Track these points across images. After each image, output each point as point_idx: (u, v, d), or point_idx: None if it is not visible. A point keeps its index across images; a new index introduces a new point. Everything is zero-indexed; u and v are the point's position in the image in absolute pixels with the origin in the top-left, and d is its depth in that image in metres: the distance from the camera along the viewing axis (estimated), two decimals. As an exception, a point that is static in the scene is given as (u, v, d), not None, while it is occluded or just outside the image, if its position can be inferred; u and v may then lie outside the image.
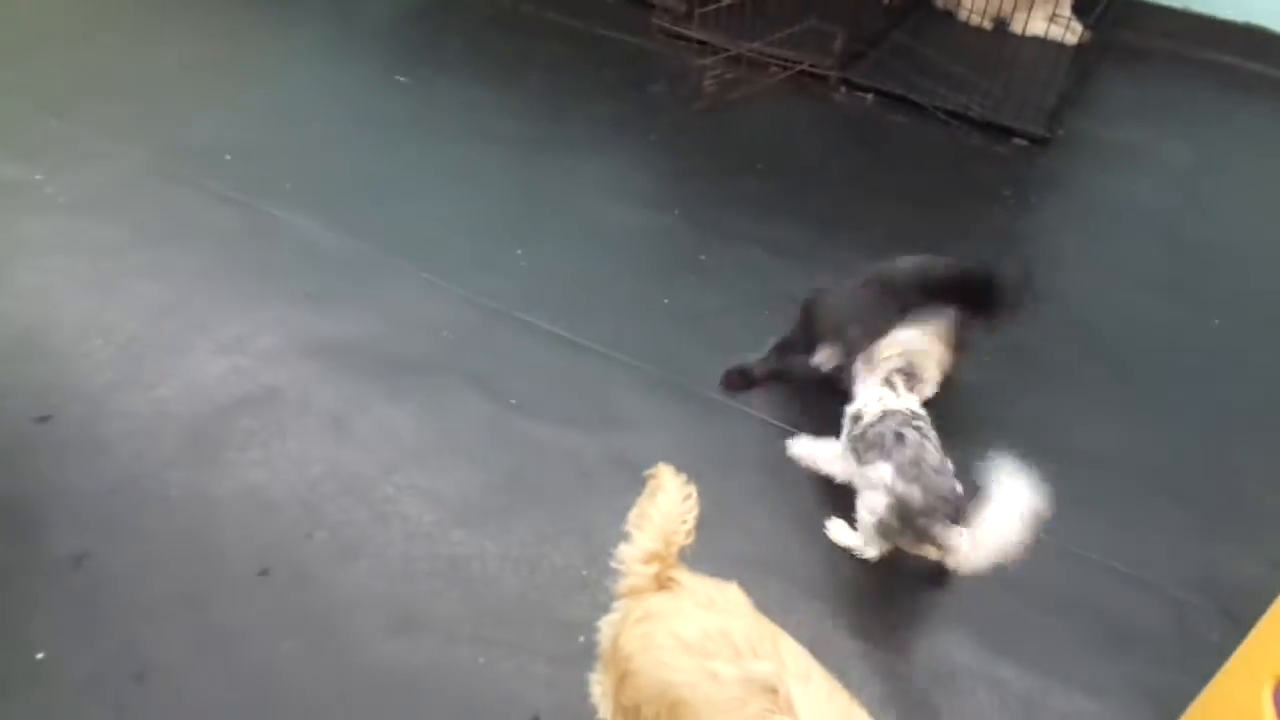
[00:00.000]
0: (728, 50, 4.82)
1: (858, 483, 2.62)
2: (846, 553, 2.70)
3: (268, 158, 4.18)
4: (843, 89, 4.94)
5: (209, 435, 2.87)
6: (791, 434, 3.04)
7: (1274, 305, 3.83)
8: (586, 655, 2.35)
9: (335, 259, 3.63)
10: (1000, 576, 2.65)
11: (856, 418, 2.66)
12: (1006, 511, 2.20)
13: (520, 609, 2.48)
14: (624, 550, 1.78)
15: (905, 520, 2.40)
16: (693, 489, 1.82)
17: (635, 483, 2.80)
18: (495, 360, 3.24)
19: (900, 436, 2.48)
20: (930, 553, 2.45)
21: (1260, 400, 3.34)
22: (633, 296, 3.58)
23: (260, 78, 4.81)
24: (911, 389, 2.68)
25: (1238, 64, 5.40)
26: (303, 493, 2.72)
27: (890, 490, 2.43)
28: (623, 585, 1.79)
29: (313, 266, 3.57)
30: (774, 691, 1.52)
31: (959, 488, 2.44)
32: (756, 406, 3.13)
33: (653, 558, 1.74)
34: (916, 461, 2.43)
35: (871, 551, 2.64)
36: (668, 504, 1.76)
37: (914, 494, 2.39)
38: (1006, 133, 4.63)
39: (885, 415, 2.57)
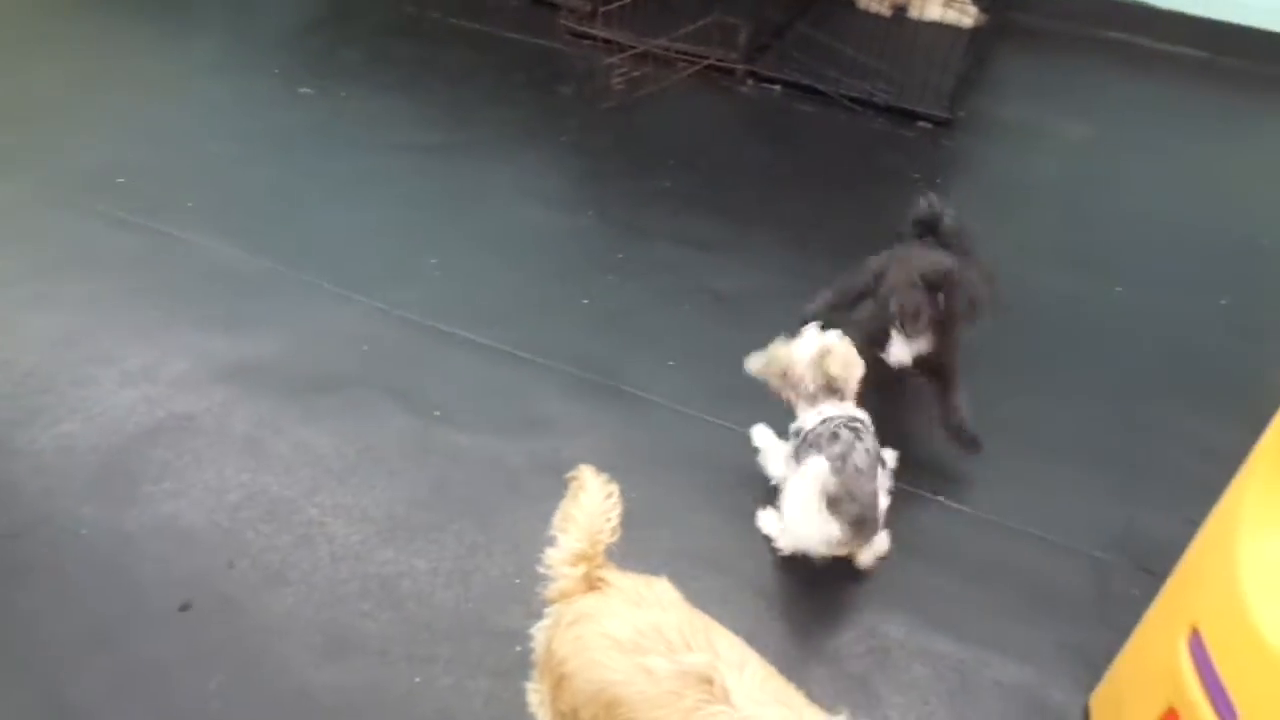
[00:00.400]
0: (634, 48, 4.81)
1: (787, 488, 2.60)
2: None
3: (165, 178, 4.05)
4: (750, 81, 4.98)
5: (120, 469, 2.76)
6: (722, 428, 3.06)
7: (1173, 271, 3.97)
8: (525, 665, 2.31)
9: (244, 278, 3.53)
10: (928, 552, 2.72)
11: (798, 432, 2.66)
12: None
13: (454, 623, 2.44)
14: (550, 554, 1.76)
15: (839, 512, 2.40)
16: (614, 488, 1.81)
17: (565, 487, 2.79)
18: (415, 372, 3.19)
19: (835, 435, 2.51)
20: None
21: (1165, 363, 3.46)
22: (552, 299, 3.56)
23: (154, 95, 4.66)
24: (841, 399, 2.67)
25: (1129, 40, 5.59)
26: (222, 521, 2.64)
27: (817, 478, 2.42)
28: (552, 589, 1.77)
29: (220, 288, 3.47)
30: (709, 682, 1.52)
31: (880, 495, 2.53)
32: (684, 402, 3.13)
33: (579, 559, 1.73)
34: (844, 456, 2.46)
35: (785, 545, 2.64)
36: (590, 504, 1.75)
37: (831, 484, 2.39)
38: (910, 116, 4.72)
39: (824, 420, 2.58)
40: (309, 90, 4.69)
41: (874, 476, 2.52)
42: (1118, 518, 2.86)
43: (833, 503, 2.38)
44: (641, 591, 1.71)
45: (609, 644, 1.63)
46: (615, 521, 1.77)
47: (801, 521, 2.45)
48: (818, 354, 2.65)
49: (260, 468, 2.82)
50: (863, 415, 2.65)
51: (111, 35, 5.16)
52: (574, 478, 1.82)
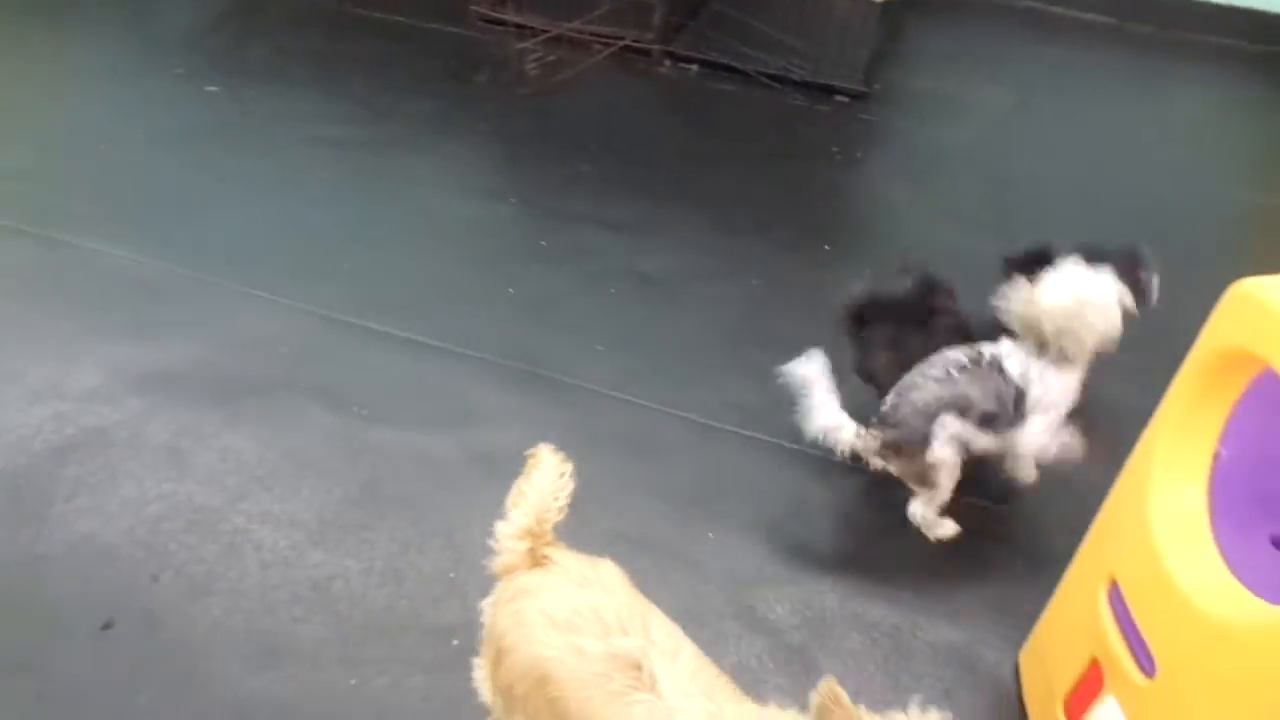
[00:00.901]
0: (547, 31, 4.77)
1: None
2: (713, 520, 2.72)
3: (65, 184, 3.91)
4: (667, 62, 4.97)
5: (31, 489, 2.66)
6: (652, 410, 3.05)
7: (1088, 233, 4.03)
8: (462, 659, 2.28)
9: (154, 285, 3.42)
10: (858, 523, 2.76)
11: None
12: None
13: (389, 622, 2.40)
14: (499, 527, 1.76)
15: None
16: (569, 467, 1.80)
17: (496, 478, 2.74)
18: (339, 371, 3.13)
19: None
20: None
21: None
22: (476, 289, 3.52)
23: (51, 99, 4.49)
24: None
25: (1040, 8, 5.70)
26: (143, 535, 2.56)
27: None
28: (497, 564, 1.76)
29: (130, 296, 3.36)
30: (638, 667, 1.52)
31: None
32: (614, 386, 3.12)
33: (526, 534, 1.73)
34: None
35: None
36: (542, 481, 1.75)
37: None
38: (827, 91, 4.75)
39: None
40: (215, 88, 4.56)
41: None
42: (1042, 476, 2.92)
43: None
44: (586, 572, 1.71)
45: (545, 621, 1.62)
46: (565, 500, 1.77)
47: None
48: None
49: (181, 477, 2.74)
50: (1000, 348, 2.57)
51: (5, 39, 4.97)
52: (532, 454, 1.81)
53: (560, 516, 1.78)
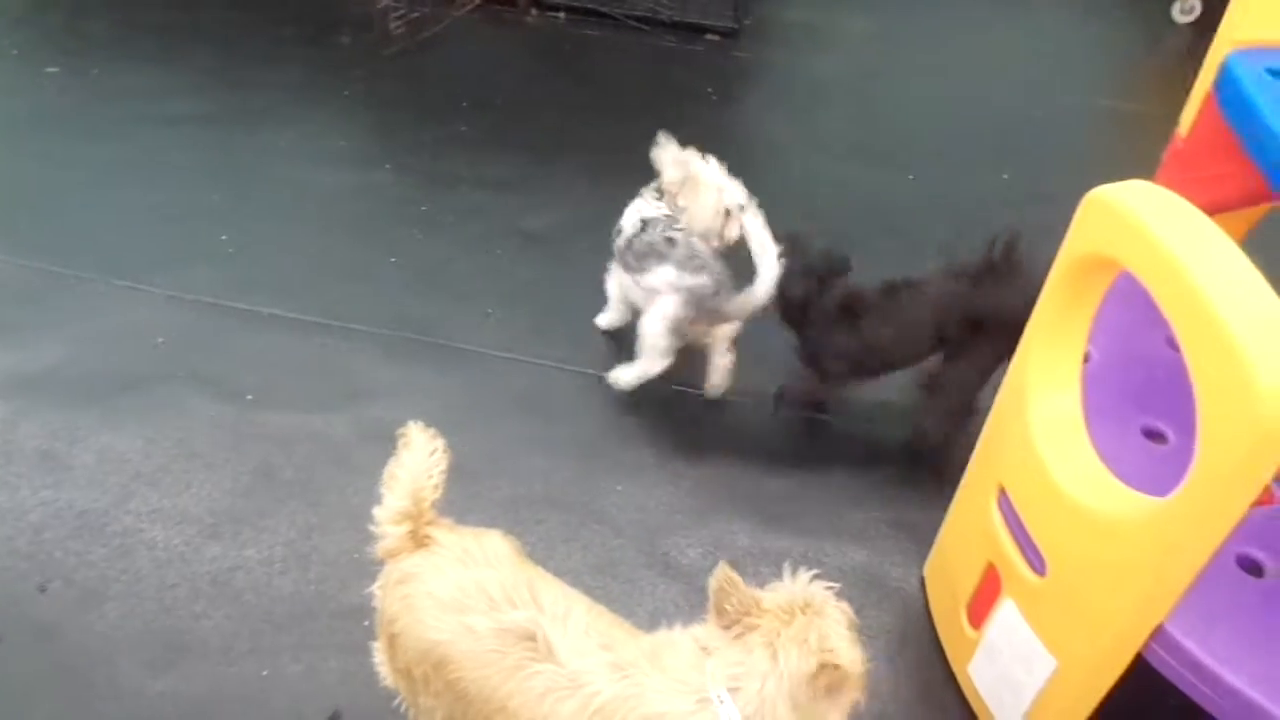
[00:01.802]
0: (408, -12, 4.62)
1: (635, 294, 2.82)
2: (618, 472, 2.73)
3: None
4: (534, 12, 4.88)
5: (-104, 510, 2.51)
6: (547, 368, 3.03)
7: (958, 153, 4.16)
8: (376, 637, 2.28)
9: (7, 284, 3.23)
10: (760, 459, 2.80)
11: (616, 232, 2.81)
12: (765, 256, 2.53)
13: (297, 609, 2.35)
14: (376, 512, 1.72)
15: (700, 306, 2.63)
16: (440, 443, 1.76)
17: (393, 454, 2.73)
18: (221, 358, 3.01)
19: (670, 240, 2.68)
20: (718, 332, 2.75)
21: (954, 239, 3.62)
22: (356, 262, 3.42)
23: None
24: (659, 198, 2.83)
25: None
26: (24, 546, 2.44)
27: (678, 286, 2.65)
28: (380, 548, 1.73)
29: (-15, 297, 3.17)
30: (532, 638, 1.51)
31: None
32: (508, 349, 3.08)
33: (404, 517, 1.69)
34: (693, 254, 2.65)
35: (659, 364, 2.79)
36: (413, 461, 1.71)
37: (703, 281, 2.62)
38: (698, 30, 4.73)
39: (647, 224, 2.74)
40: (55, 69, 4.29)
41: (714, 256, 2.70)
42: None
43: (716, 291, 2.62)
44: (469, 547, 1.68)
45: (433, 603, 1.60)
46: (439, 479, 1.73)
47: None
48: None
49: (60, 482, 2.61)
50: (676, 215, 2.77)
51: None
52: (402, 434, 1.77)
53: (437, 494, 1.74)
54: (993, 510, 1.98)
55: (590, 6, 4.75)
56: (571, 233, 3.54)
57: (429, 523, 1.73)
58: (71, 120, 4.04)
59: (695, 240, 2.70)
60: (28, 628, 2.28)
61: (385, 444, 2.72)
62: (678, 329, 2.72)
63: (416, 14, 4.64)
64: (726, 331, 2.81)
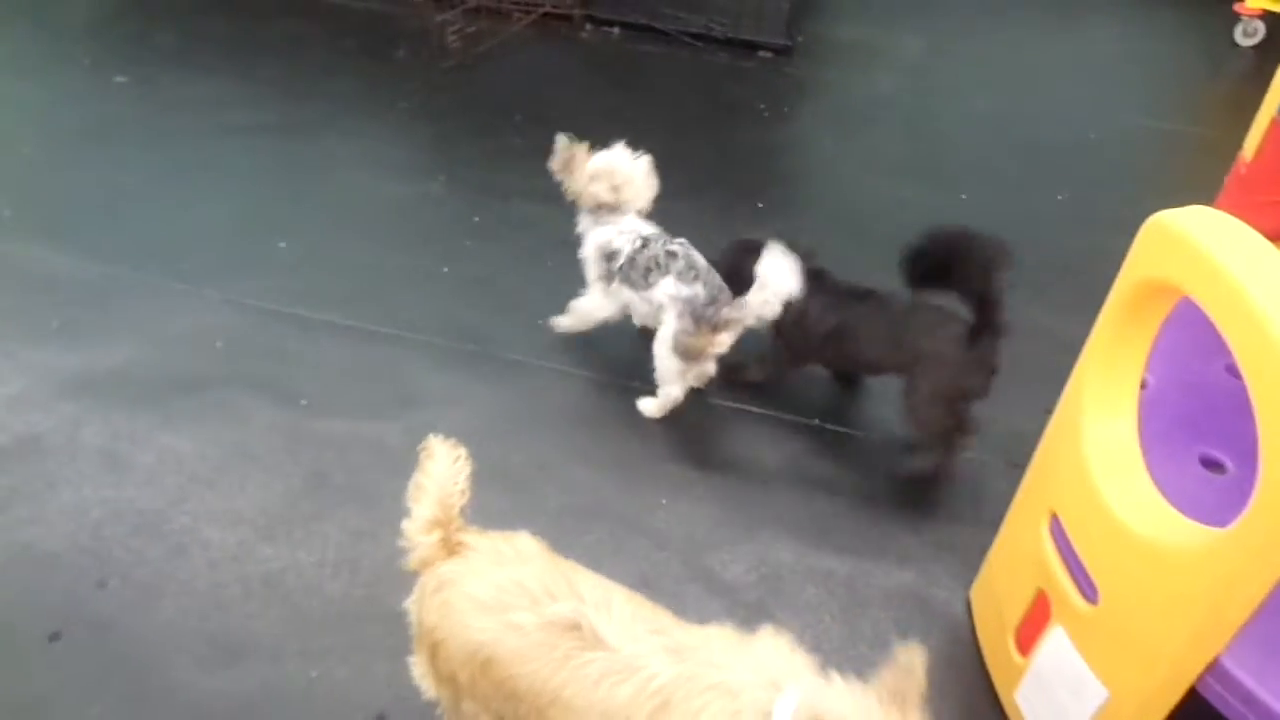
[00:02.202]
0: (465, 2, 4.69)
1: (639, 308, 2.90)
2: (664, 487, 2.74)
3: (-23, 188, 3.78)
4: (588, 27, 4.92)
5: (-36, 503, 2.60)
6: (593, 381, 3.06)
7: (1011, 173, 4.13)
8: (422, 642, 2.31)
9: (78, 286, 3.32)
10: (807, 477, 2.79)
11: (610, 255, 2.87)
12: (771, 275, 2.57)
13: (346, 612, 2.38)
14: (405, 525, 1.75)
15: (697, 316, 2.68)
16: (462, 451, 1.79)
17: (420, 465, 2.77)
18: (277, 363, 3.08)
19: (671, 253, 2.76)
20: (717, 344, 2.74)
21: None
22: (410, 271, 3.47)
23: (-47, 101, 4.32)
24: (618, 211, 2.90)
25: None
26: (85, 542, 2.51)
27: (675, 297, 2.72)
28: (413, 559, 1.75)
29: (51, 299, 3.26)
30: (577, 628, 1.53)
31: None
32: (558, 361, 3.11)
33: (434, 525, 1.72)
34: (691, 266, 2.74)
35: (679, 387, 2.85)
36: (438, 470, 1.73)
37: (697, 291, 2.70)
38: (750, 47, 4.75)
39: (647, 241, 2.82)
40: (124, 79, 4.42)
41: (712, 269, 2.79)
42: (983, 417, 2.98)
43: (710, 301, 2.69)
44: (501, 549, 1.70)
45: (473, 605, 1.62)
46: (464, 484, 1.75)
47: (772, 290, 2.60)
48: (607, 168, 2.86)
49: (121, 481, 2.68)
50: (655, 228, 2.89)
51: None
52: (424, 448, 1.80)
53: (464, 500, 1.76)
54: (1044, 536, 1.96)
55: (644, 23, 4.79)
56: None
57: (459, 529, 1.75)
58: (138, 128, 4.16)
59: (694, 253, 2.79)
60: (86, 622, 2.33)
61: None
62: (679, 346, 2.75)
63: (473, 29, 4.71)
64: (726, 341, 2.80)
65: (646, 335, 3.13)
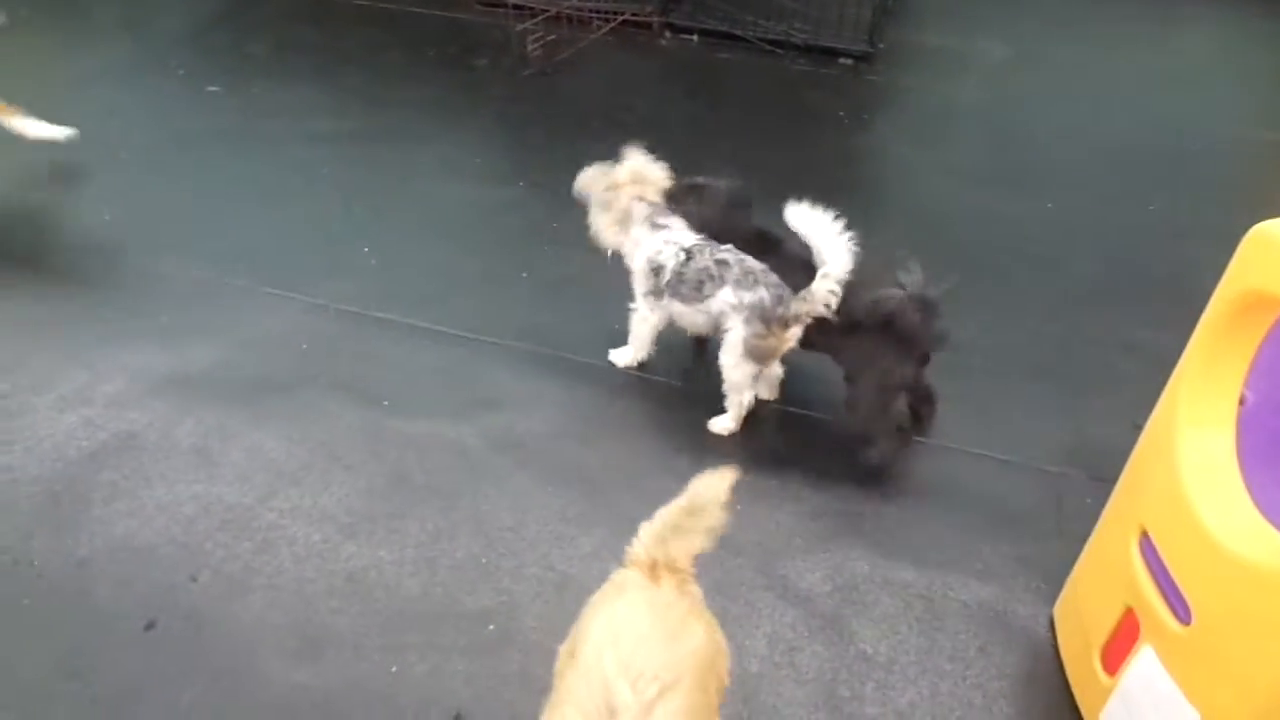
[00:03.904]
0: (546, 10, 4.74)
1: (698, 322, 2.86)
2: (739, 493, 2.71)
3: (75, 192, 3.94)
4: (667, 34, 4.94)
5: (68, 495, 2.70)
6: (670, 387, 3.07)
7: (1101, 182, 4.03)
8: (500, 644, 2.34)
9: (172, 289, 3.45)
10: (884, 486, 2.76)
11: (657, 269, 2.84)
12: (828, 245, 2.57)
13: (425, 610, 2.43)
14: (643, 526, 1.76)
15: (767, 318, 2.67)
16: (719, 498, 1.75)
17: (520, 463, 2.81)
18: (360, 364, 3.15)
19: (722, 262, 2.73)
20: (788, 339, 2.73)
21: (1099, 272, 3.52)
22: (490, 275, 3.53)
23: (57, 106, 4.48)
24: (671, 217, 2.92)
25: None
26: (178, 535, 2.60)
27: (738, 305, 2.69)
28: (628, 551, 1.76)
29: (149, 301, 3.39)
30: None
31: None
32: (634, 366, 3.13)
33: (656, 542, 1.71)
34: (748, 271, 2.70)
35: (748, 394, 2.86)
36: (690, 503, 1.72)
37: (761, 294, 2.66)
38: (831, 54, 4.72)
39: (691, 253, 2.78)
40: (217, 88, 4.57)
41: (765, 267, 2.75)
42: (1067, 430, 2.92)
43: (778, 301, 2.67)
44: (671, 623, 1.61)
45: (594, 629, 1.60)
46: (696, 536, 1.72)
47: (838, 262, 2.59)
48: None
49: (212, 478, 2.77)
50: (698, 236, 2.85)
51: (3, 47, 4.98)
52: (721, 482, 1.77)
53: (688, 548, 1.72)
54: (1133, 553, 1.91)
55: (724, 30, 4.79)
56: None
57: (674, 568, 1.72)
58: (229, 136, 4.29)
59: (746, 259, 2.75)
60: (179, 614, 2.42)
61: (511, 452, 2.83)
62: (752, 350, 2.73)
63: (553, 37, 4.77)
64: (797, 334, 2.78)
65: (700, 344, 3.15)
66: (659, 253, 2.84)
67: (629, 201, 2.92)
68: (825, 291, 2.60)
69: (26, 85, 4.64)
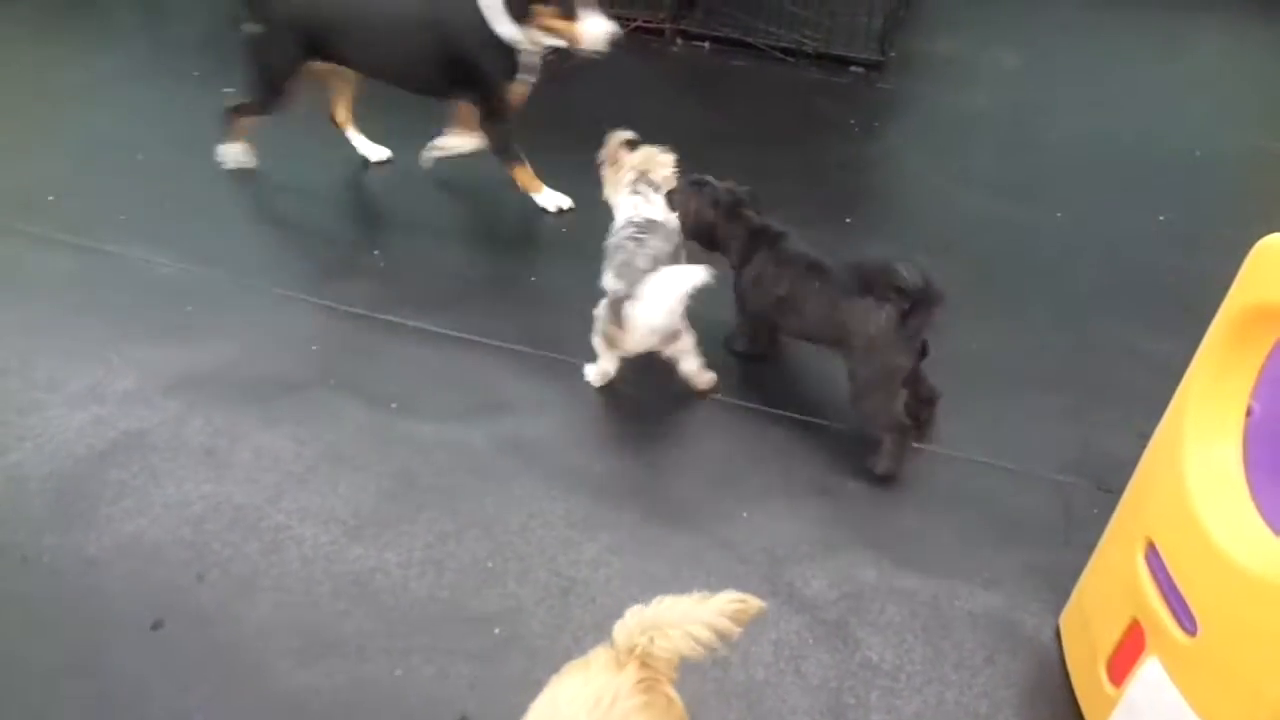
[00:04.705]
0: (558, 17, 4.75)
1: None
2: (745, 499, 2.74)
3: (94, 192, 3.96)
4: (679, 41, 4.96)
5: (76, 492, 2.72)
6: (677, 394, 3.07)
7: (1110, 191, 4.03)
8: (506, 647, 2.35)
9: (183, 289, 3.47)
10: (891, 494, 2.76)
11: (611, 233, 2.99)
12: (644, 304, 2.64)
13: (431, 613, 2.44)
14: (631, 608, 1.64)
15: (612, 310, 2.78)
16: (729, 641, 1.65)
17: (528, 467, 2.82)
18: (368, 366, 3.16)
19: (620, 246, 2.86)
20: (630, 344, 2.85)
21: (1109, 283, 3.52)
22: (498, 279, 3.54)
23: (75, 107, 4.54)
24: (656, 192, 3.07)
25: (1048, -34, 5.62)
26: (187, 535, 2.61)
27: (607, 289, 2.84)
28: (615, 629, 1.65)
29: (160, 300, 3.41)
30: None
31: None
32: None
33: (640, 632, 1.61)
34: (628, 263, 2.78)
35: (602, 362, 3.00)
36: (694, 630, 1.59)
37: (619, 285, 2.76)
38: (842, 62, 4.73)
39: (624, 225, 2.94)
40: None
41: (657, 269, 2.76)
42: (1074, 439, 2.92)
43: (624, 298, 2.72)
44: (609, 710, 1.54)
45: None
46: (679, 648, 1.60)
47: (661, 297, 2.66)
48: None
49: (221, 477, 2.78)
50: (661, 218, 2.98)
51: (14, 54, 5.01)
52: (742, 606, 1.68)
53: (674, 648, 1.59)
54: (1139, 563, 1.90)
55: (735, 37, 4.81)
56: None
57: (643, 662, 1.61)
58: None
59: (645, 249, 2.82)
60: (187, 613, 2.43)
61: (518, 456, 2.84)
62: (606, 335, 2.89)
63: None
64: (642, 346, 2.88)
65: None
66: (629, 217, 2.97)
67: (628, 169, 3.10)
68: (639, 324, 2.70)
69: (47, 88, 4.69)
